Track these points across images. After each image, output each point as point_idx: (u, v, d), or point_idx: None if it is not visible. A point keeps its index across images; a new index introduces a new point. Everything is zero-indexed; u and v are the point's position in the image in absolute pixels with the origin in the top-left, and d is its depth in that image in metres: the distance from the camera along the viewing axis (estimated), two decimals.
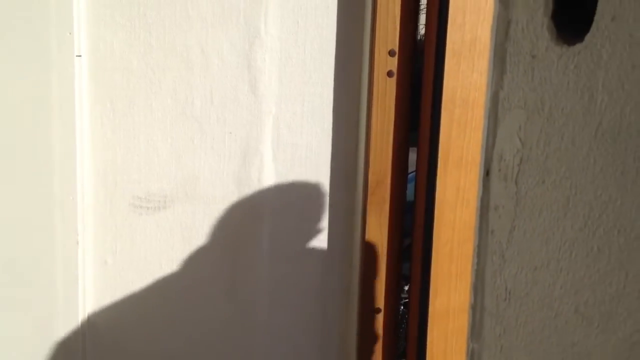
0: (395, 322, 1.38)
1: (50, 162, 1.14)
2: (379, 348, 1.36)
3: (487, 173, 0.86)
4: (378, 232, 1.30)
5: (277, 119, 1.25)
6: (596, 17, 0.72)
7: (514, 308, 0.81)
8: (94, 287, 1.22)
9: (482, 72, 1.20)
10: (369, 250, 1.29)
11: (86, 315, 1.22)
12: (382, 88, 1.23)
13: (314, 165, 1.27)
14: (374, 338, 1.36)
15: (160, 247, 1.23)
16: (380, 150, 1.25)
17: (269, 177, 1.25)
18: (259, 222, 1.26)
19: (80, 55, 1.15)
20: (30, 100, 1.12)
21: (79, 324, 1.21)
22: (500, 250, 0.84)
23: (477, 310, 0.89)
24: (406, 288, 1.54)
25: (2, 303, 1.17)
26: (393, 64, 1.23)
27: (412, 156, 1.30)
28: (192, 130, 1.22)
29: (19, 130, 1.13)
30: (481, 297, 0.88)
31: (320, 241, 1.30)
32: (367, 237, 1.29)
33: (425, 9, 1.22)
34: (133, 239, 1.22)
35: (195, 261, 1.26)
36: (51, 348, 1.20)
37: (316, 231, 1.30)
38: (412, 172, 1.28)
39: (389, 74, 1.23)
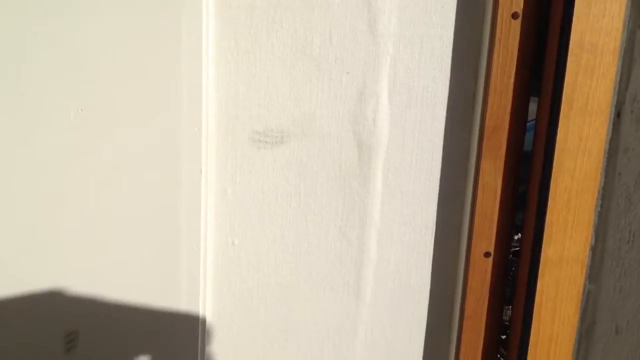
0: (504, 268, 1.37)
1: (178, 94, 1.20)
2: (486, 292, 1.36)
3: (617, 115, 0.83)
4: (492, 177, 1.28)
5: (394, 60, 1.25)
6: None
7: (637, 250, 0.78)
8: (215, 214, 1.29)
9: (613, 16, 1.14)
10: (482, 194, 1.28)
11: (207, 241, 1.30)
12: (506, 30, 1.20)
13: (429, 107, 1.27)
14: (482, 282, 1.36)
15: (277, 180, 1.28)
16: (500, 94, 1.23)
17: (383, 117, 1.26)
18: (372, 161, 1.28)
19: None
20: (161, 36, 1.18)
21: (200, 247, 1.28)
22: (627, 193, 0.81)
23: (597, 252, 0.88)
24: (516, 237, 1.52)
25: (129, 222, 1.26)
26: (519, 5, 1.19)
27: (532, 106, 1.26)
28: (310, 69, 1.25)
29: (151, 62, 1.19)
30: (603, 239, 0.86)
31: (433, 183, 1.30)
32: (481, 181, 1.28)
33: None
34: (251, 171, 1.27)
35: (309, 196, 1.29)
36: (175, 267, 1.28)
37: (429, 173, 1.30)
38: (531, 120, 1.25)
39: (514, 15, 1.19)
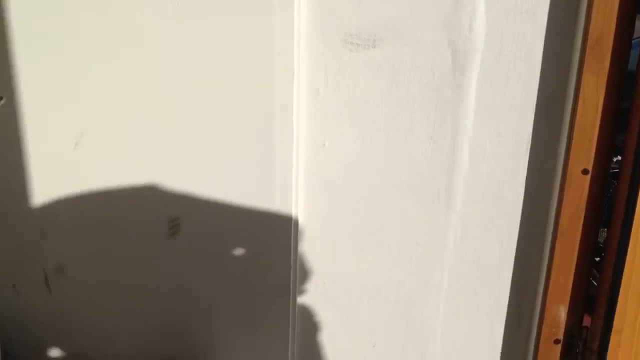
0: (602, 187, 1.32)
1: None
2: (582, 210, 1.32)
3: None
4: (594, 91, 1.22)
5: None
6: None
7: None
8: (306, 116, 1.32)
9: None
10: (582, 108, 1.23)
11: (299, 142, 1.34)
12: None
13: (529, 17, 1.20)
14: (578, 199, 1.31)
15: (367, 84, 1.29)
16: (605, 4, 1.15)
17: (480, 25, 1.22)
18: (467, 69, 1.25)
19: None
20: None
21: (292, 147, 1.33)
22: None
23: None
24: (615, 160, 1.45)
25: (225, 120, 1.32)
26: None
27: (638, 24, 1.18)
28: None
29: None
30: None
31: (530, 94, 1.26)
32: (581, 94, 1.23)
33: None
34: (343, 75, 1.29)
35: (401, 102, 1.30)
36: (269, 166, 1.34)
37: (526, 84, 1.25)
38: (636, 38, 1.16)
39: None
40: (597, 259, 1.46)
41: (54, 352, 1.61)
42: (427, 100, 1.29)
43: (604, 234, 1.43)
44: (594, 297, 1.47)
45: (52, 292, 1.51)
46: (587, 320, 1.50)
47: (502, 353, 1.57)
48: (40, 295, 1.51)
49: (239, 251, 1.44)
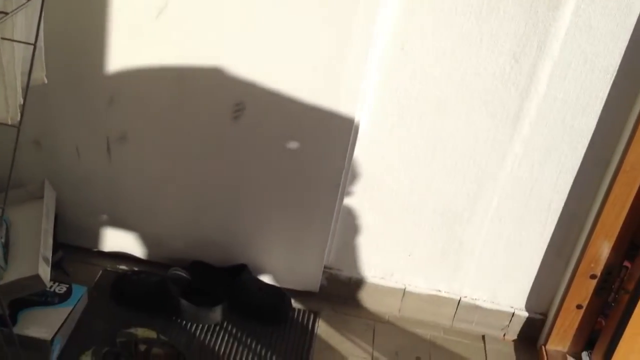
0: None
1: None
2: None
3: None
4: None
5: None
6: None
7: None
8: (389, 15, 1.27)
9: None
10: None
11: (377, 40, 1.29)
12: None
13: None
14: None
15: None
16: None
17: None
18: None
19: None
20: None
21: (368, 45, 1.28)
22: None
23: None
24: None
25: (317, 13, 1.26)
26: None
27: None
28: None
29: None
30: None
31: (628, 22, 1.21)
32: None
33: None
34: None
35: (491, 13, 1.24)
36: (340, 63, 1.30)
37: (627, 9, 1.20)
38: None
39: None
40: None
41: (104, 216, 1.63)
42: (518, 14, 1.23)
43: None
44: (638, 245, 1.47)
45: (111, 159, 1.50)
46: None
47: (535, 280, 1.59)
48: (100, 160, 1.51)
49: (295, 144, 1.42)
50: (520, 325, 1.66)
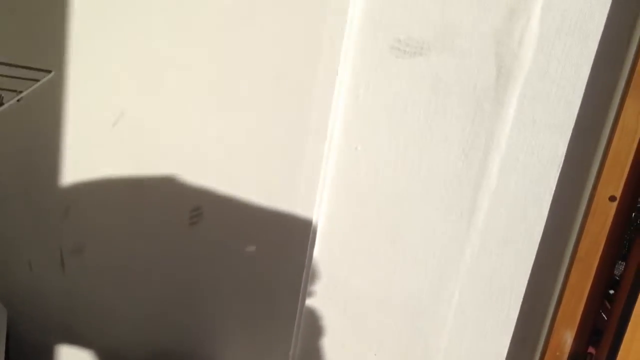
0: (627, 216, 1.32)
1: None
2: (603, 237, 1.33)
3: None
4: (634, 118, 1.22)
5: None
6: None
7: None
8: (343, 117, 1.31)
9: None
10: (619, 134, 1.23)
11: (332, 141, 1.32)
12: None
13: (581, 39, 1.20)
14: (602, 225, 1.32)
15: (409, 91, 1.27)
16: None
17: (531, 40, 1.21)
18: (510, 85, 1.25)
19: None
20: None
21: (324, 147, 1.31)
22: None
23: None
24: None
25: (260, 107, 1.29)
26: None
27: None
28: None
29: None
30: None
31: (569, 116, 1.26)
32: (621, 121, 1.23)
33: None
34: (386, 79, 1.27)
35: (439, 112, 1.29)
36: (297, 163, 1.32)
37: (567, 105, 1.25)
38: None
39: None
40: (612, 291, 1.46)
41: (59, 331, 1.57)
42: (465, 112, 1.28)
43: (621, 267, 1.43)
44: (601, 330, 1.47)
45: (65, 272, 1.47)
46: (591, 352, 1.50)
47: None
48: (53, 274, 1.47)
49: (254, 247, 1.41)
50: None
